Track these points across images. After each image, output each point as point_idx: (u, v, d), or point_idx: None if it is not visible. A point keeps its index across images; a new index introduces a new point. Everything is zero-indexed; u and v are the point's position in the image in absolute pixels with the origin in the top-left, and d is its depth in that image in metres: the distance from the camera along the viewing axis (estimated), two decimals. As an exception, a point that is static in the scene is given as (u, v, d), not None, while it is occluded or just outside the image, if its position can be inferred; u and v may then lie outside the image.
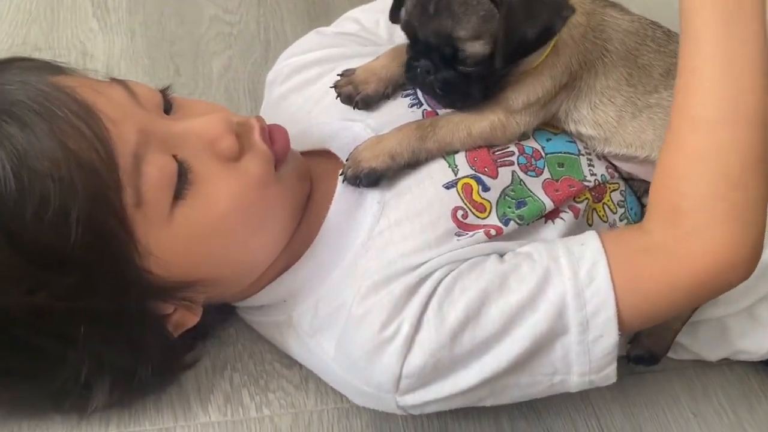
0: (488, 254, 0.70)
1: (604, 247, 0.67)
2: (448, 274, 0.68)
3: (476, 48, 0.68)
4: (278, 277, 0.77)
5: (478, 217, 0.73)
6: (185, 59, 1.23)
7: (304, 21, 1.36)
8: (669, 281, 0.66)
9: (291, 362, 0.82)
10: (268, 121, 0.78)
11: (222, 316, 0.83)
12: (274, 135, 0.75)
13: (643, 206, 0.85)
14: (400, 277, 0.69)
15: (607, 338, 0.65)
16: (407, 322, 0.66)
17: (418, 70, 0.72)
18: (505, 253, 0.71)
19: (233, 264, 0.73)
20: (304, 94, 0.90)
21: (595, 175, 0.80)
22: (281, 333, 0.79)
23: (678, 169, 0.66)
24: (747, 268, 0.65)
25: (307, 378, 0.81)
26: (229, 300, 0.80)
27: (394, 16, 0.73)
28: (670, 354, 0.87)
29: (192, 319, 0.74)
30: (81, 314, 0.65)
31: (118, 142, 0.63)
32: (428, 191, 0.73)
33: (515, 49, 0.68)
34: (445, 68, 0.71)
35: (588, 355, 0.66)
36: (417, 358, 0.66)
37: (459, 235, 0.71)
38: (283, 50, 1.30)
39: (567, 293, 0.65)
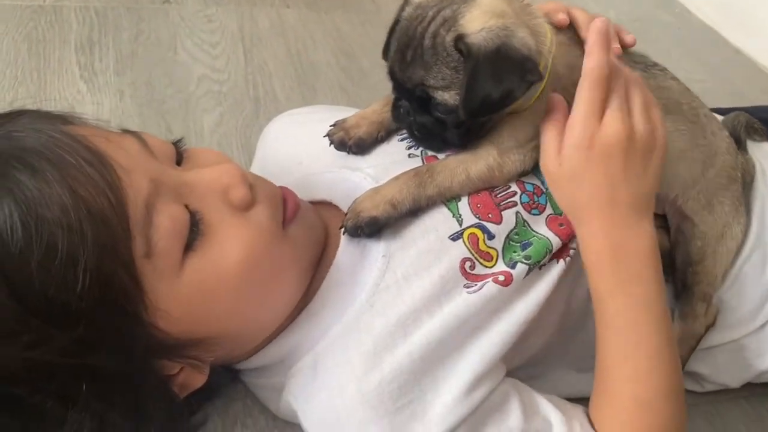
0: (511, 392, 0.71)
1: None
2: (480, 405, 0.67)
3: (446, 97, 0.68)
4: (277, 337, 0.74)
5: (485, 266, 0.72)
6: (176, 117, 1.23)
7: (292, 77, 1.39)
8: None
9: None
10: (259, 173, 0.77)
11: (230, 375, 0.79)
12: (284, 194, 0.74)
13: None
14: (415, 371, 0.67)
15: None
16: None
17: (401, 109, 0.73)
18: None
19: (242, 321, 0.70)
20: (296, 134, 0.90)
21: None
22: (280, 396, 0.75)
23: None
24: None
25: (320, 431, 0.77)
26: (234, 360, 0.76)
27: (385, 55, 0.73)
28: (694, 388, 0.89)
29: (199, 379, 0.70)
30: (83, 372, 0.60)
31: (130, 191, 0.61)
32: (434, 244, 0.72)
33: (480, 106, 0.67)
34: (421, 113, 0.71)
35: None
36: None
37: (468, 287, 0.70)
38: (273, 105, 1.32)
39: None
